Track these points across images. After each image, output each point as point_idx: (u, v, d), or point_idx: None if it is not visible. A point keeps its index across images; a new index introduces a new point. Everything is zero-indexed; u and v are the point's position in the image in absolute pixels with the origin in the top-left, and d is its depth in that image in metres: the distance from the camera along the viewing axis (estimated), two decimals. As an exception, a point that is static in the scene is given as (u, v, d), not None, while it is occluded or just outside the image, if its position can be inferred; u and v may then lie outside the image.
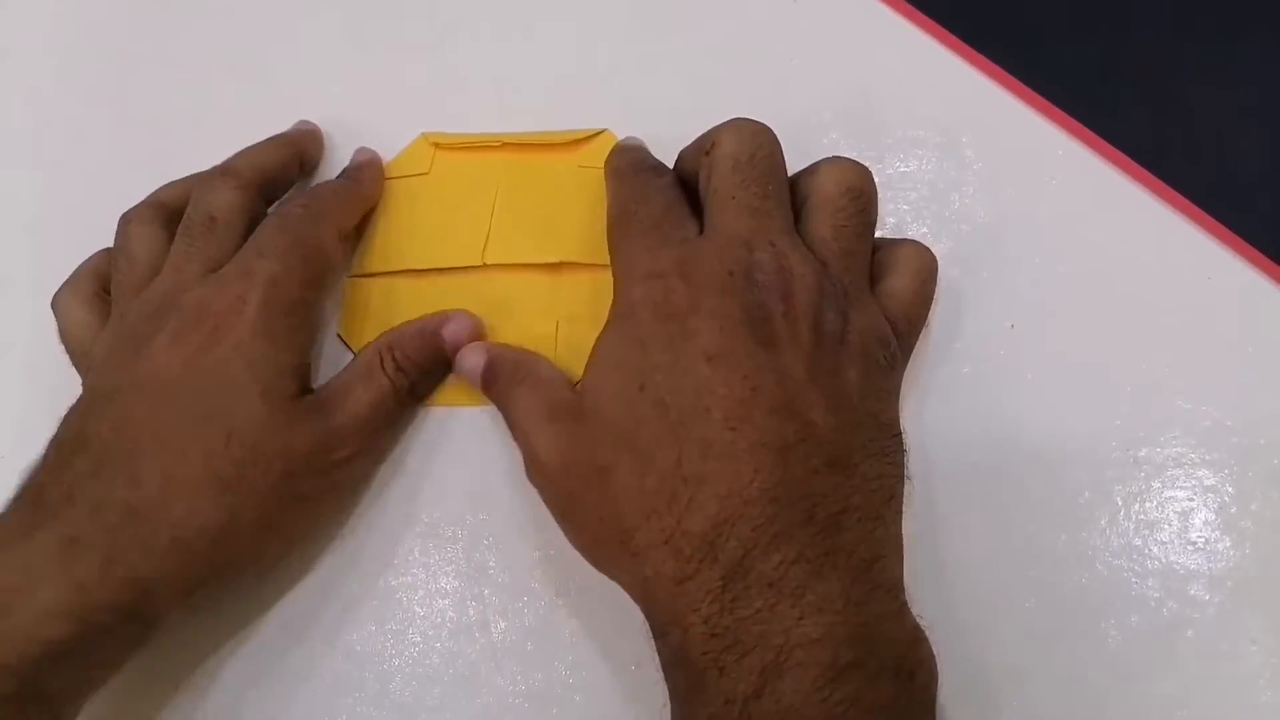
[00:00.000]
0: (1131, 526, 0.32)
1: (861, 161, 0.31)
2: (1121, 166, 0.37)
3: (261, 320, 0.31)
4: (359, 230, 0.37)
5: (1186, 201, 0.36)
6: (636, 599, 0.28)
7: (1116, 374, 0.33)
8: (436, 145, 0.38)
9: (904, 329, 0.31)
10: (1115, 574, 0.31)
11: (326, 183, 0.36)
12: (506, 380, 0.32)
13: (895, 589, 0.26)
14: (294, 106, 0.40)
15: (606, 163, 0.34)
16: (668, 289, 0.28)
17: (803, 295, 0.28)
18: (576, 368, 0.33)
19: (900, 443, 0.28)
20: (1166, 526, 0.32)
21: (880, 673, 0.24)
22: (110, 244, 0.35)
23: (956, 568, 0.31)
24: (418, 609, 0.32)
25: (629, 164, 0.33)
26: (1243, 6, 0.39)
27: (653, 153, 0.35)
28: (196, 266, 0.32)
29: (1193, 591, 0.31)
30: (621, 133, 0.37)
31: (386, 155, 0.38)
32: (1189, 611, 0.31)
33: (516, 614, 0.32)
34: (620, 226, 0.31)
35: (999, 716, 0.30)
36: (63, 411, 0.31)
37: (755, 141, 0.30)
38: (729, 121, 0.31)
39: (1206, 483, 0.32)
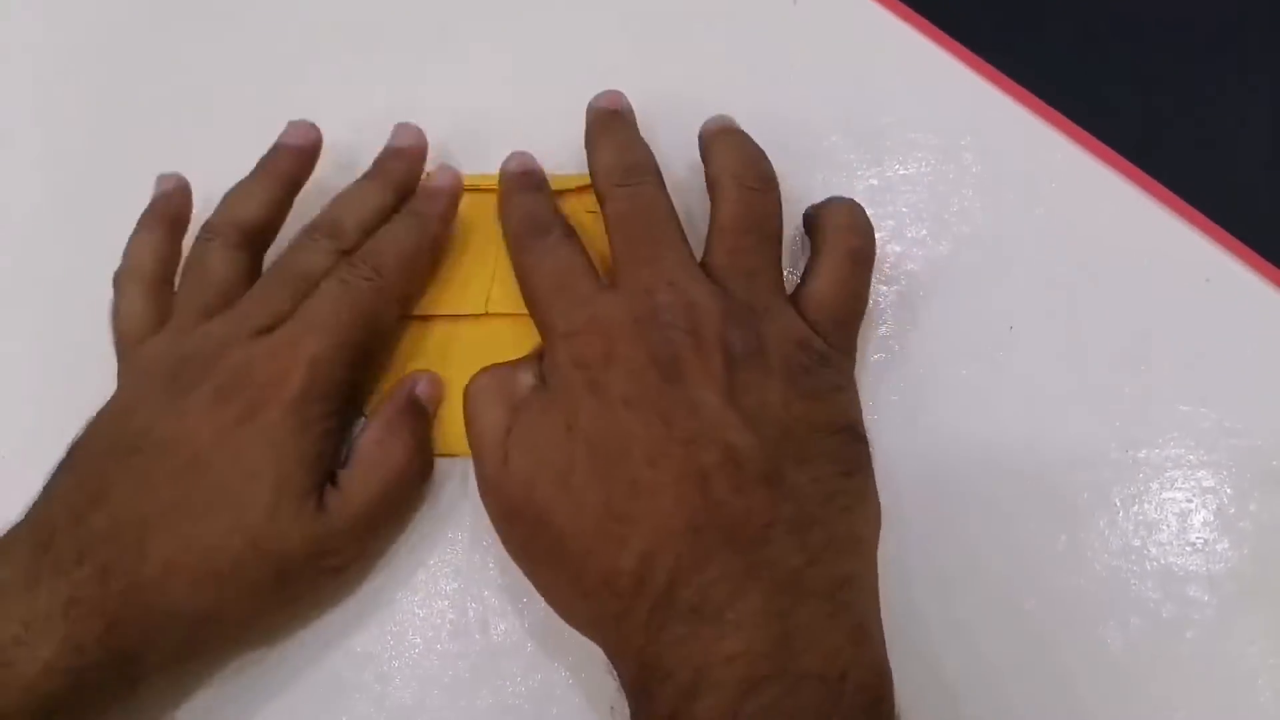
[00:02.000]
0: (1131, 527, 0.32)
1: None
2: (1120, 169, 0.37)
3: (296, 402, 0.30)
4: None
5: (1185, 204, 0.36)
6: (591, 638, 0.29)
7: (1116, 375, 0.34)
8: None
9: (829, 326, 0.31)
10: (1114, 575, 0.31)
11: (395, 228, 0.34)
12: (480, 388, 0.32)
13: (832, 591, 0.26)
14: (299, 111, 0.40)
15: (500, 214, 0.35)
16: (584, 345, 0.29)
17: (708, 325, 0.29)
18: None
19: (848, 437, 0.29)
20: (1165, 527, 0.32)
21: (803, 679, 0.24)
22: (108, 247, 0.35)
23: (956, 568, 0.31)
24: (418, 609, 0.32)
25: (518, 226, 0.34)
26: (1242, 7, 0.39)
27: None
28: (259, 319, 0.32)
29: (1191, 592, 0.31)
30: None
31: None
32: (1188, 612, 0.31)
33: (516, 614, 0.32)
34: (528, 292, 0.32)
35: (999, 716, 0.30)
36: (64, 412, 0.31)
37: (633, 199, 0.32)
38: (615, 182, 0.33)
39: (1205, 484, 0.32)
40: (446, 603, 0.32)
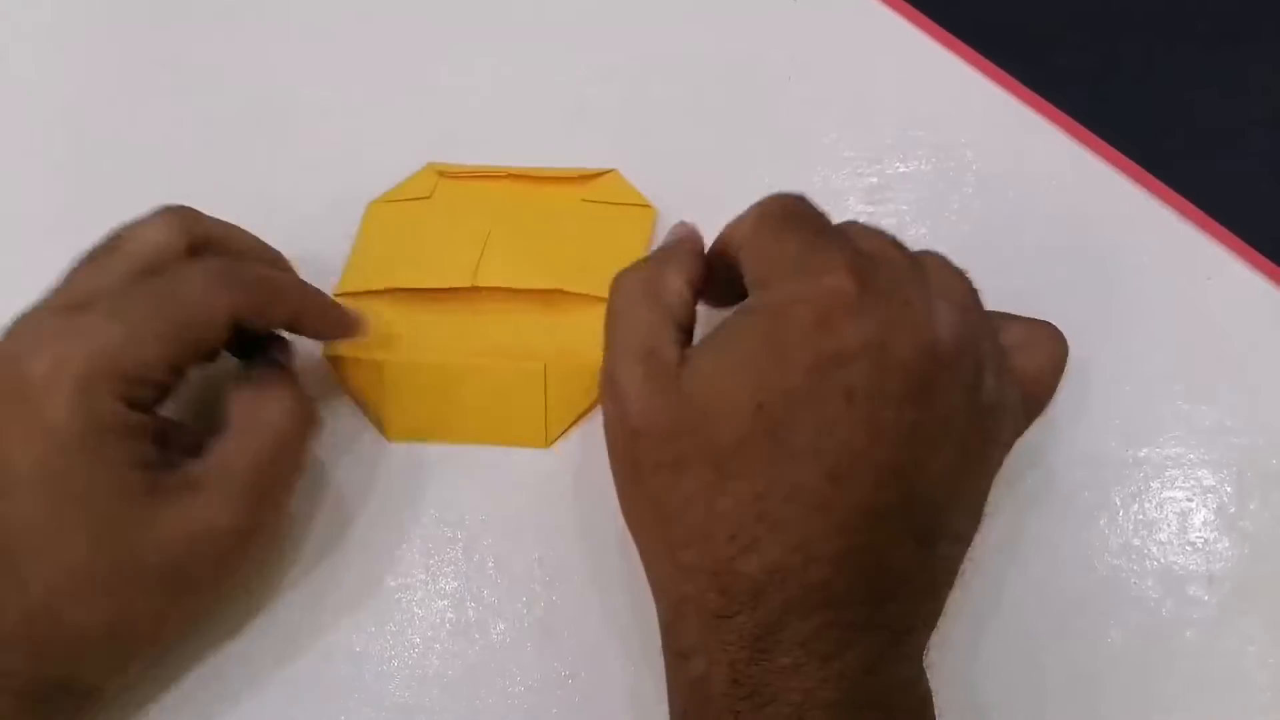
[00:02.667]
0: (1131, 526, 0.32)
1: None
2: (1121, 167, 0.37)
3: (81, 404, 0.26)
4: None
5: (1186, 202, 0.36)
6: (662, 604, 0.26)
7: (1116, 374, 0.34)
8: (441, 173, 0.37)
9: (1030, 412, 0.29)
10: (1115, 574, 0.31)
11: (283, 274, 0.32)
12: (629, 284, 0.28)
13: (918, 656, 0.25)
14: (296, 114, 0.40)
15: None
16: (835, 289, 0.24)
17: (969, 356, 0.25)
18: (566, 404, 0.33)
19: (978, 525, 0.27)
20: (1166, 526, 0.32)
21: None
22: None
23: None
24: (417, 609, 0.32)
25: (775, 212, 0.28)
26: (1243, 8, 0.39)
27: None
28: (63, 296, 0.28)
29: (1192, 591, 0.31)
30: (621, 132, 0.37)
31: (388, 181, 0.38)
32: (1188, 611, 0.31)
33: (516, 614, 0.32)
34: (776, 224, 0.27)
35: (999, 716, 0.30)
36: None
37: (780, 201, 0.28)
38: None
39: (1206, 483, 0.32)
40: (446, 602, 0.32)
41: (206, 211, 0.32)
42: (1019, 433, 0.28)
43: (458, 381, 0.34)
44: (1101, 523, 0.32)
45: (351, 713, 0.31)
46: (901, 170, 0.37)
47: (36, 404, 0.26)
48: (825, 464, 0.23)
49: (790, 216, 0.27)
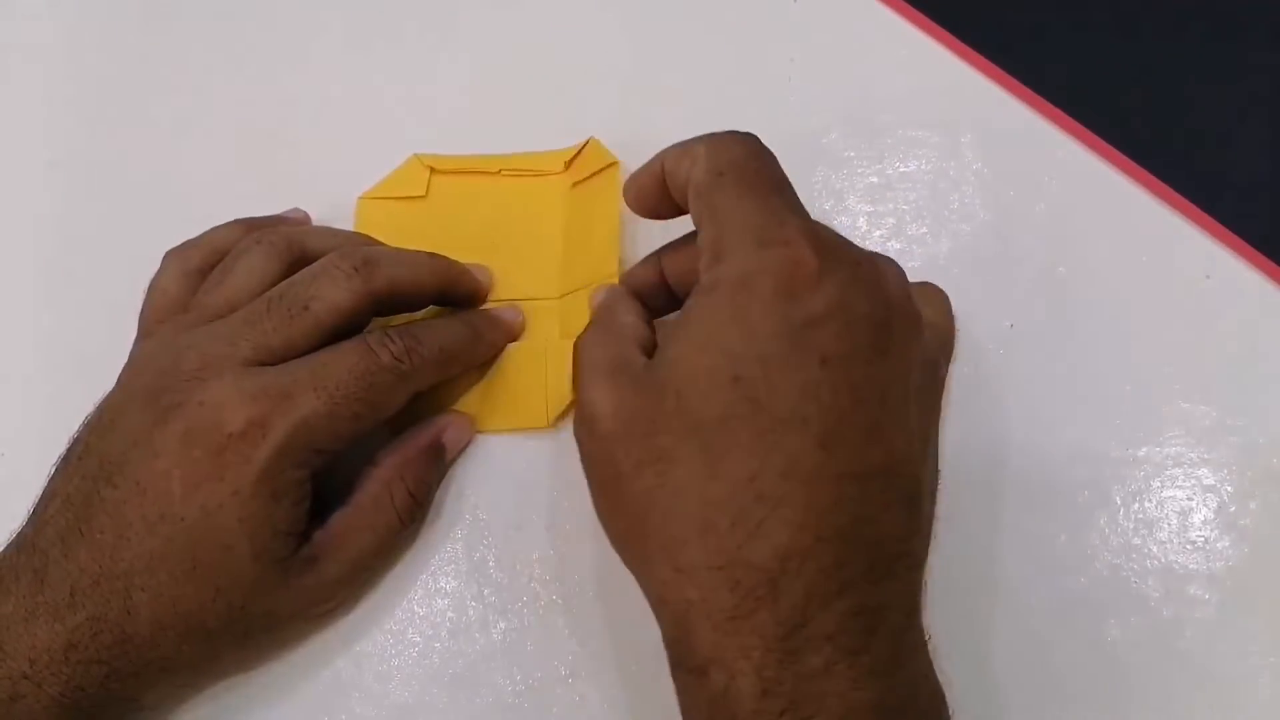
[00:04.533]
0: (1131, 526, 0.32)
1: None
2: (1121, 167, 0.37)
3: (270, 468, 0.27)
4: None
5: (1186, 201, 0.36)
6: (664, 618, 0.25)
7: (1116, 373, 0.34)
8: (433, 169, 0.37)
9: (946, 355, 0.30)
10: (1115, 573, 0.31)
11: (449, 326, 0.32)
12: (584, 342, 0.28)
13: (925, 643, 0.25)
14: (291, 111, 0.40)
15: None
16: (795, 260, 0.24)
17: (914, 310, 0.25)
18: (567, 382, 0.33)
19: (938, 478, 0.27)
20: (1166, 525, 0.32)
21: None
22: (109, 247, 0.34)
23: (956, 567, 0.31)
24: (418, 609, 0.32)
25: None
26: (1242, 7, 0.39)
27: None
28: (250, 346, 0.29)
29: (1192, 591, 0.31)
30: (621, 132, 0.37)
31: (375, 170, 0.37)
32: (1188, 611, 0.31)
33: (516, 614, 0.32)
34: (734, 183, 0.26)
35: (999, 716, 0.30)
36: (63, 412, 0.31)
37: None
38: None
39: (1206, 482, 0.32)
40: (446, 602, 0.32)
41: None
42: (944, 379, 0.31)
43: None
44: (1102, 522, 0.32)
45: (352, 713, 0.31)
46: (902, 170, 0.37)
47: (225, 455, 0.27)
48: (814, 430, 0.23)
49: (745, 173, 0.26)
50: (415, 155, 0.38)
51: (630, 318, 0.29)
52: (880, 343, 0.24)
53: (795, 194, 0.27)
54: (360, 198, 0.37)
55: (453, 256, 0.35)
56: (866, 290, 0.24)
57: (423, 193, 0.37)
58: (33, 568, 0.28)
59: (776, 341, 0.23)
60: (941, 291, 0.33)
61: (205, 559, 0.27)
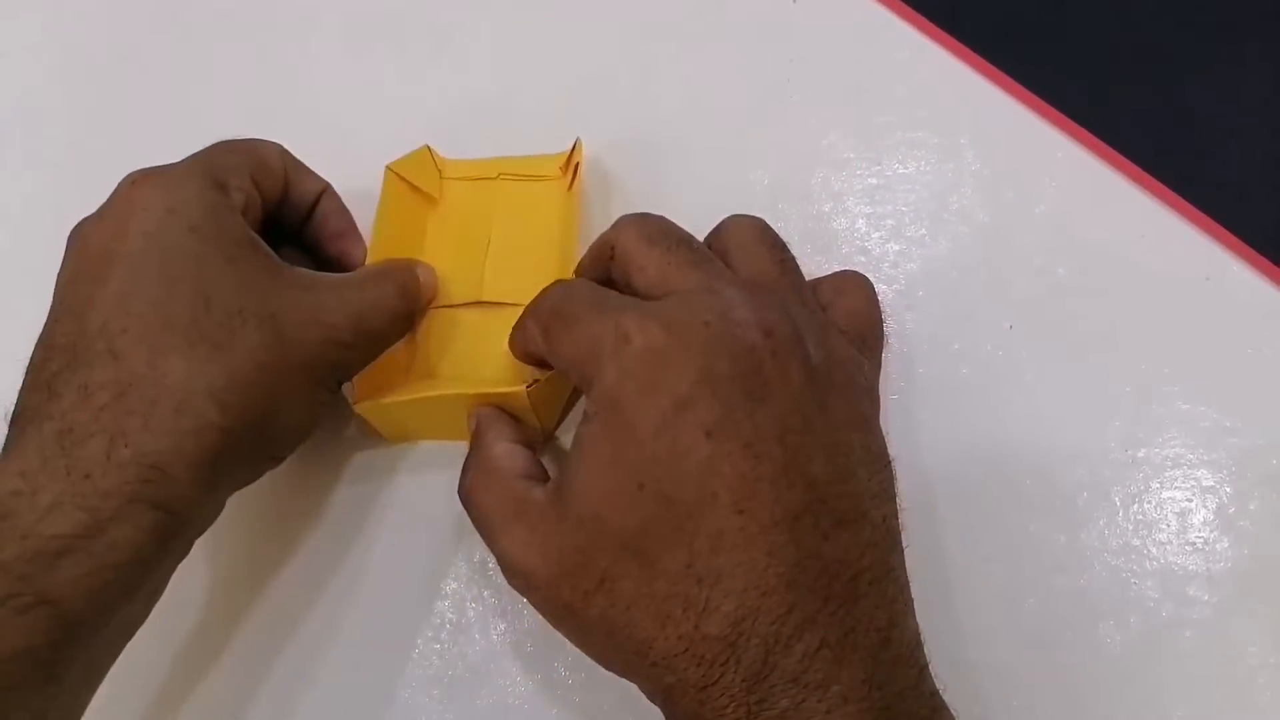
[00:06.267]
0: (1130, 527, 0.32)
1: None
2: (1120, 168, 0.37)
3: (193, 169, 0.30)
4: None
5: (1185, 202, 0.36)
6: (657, 703, 0.26)
7: (1115, 374, 0.34)
8: (441, 174, 0.38)
9: (870, 348, 0.30)
10: (1114, 574, 0.31)
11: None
12: (467, 488, 0.29)
13: (913, 652, 0.25)
14: (291, 105, 0.40)
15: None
16: (644, 351, 0.25)
17: (783, 329, 0.25)
18: (558, 399, 0.33)
19: (892, 470, 0.27)
20: (1165, 527, 0.32)
21: None
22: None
23: (956, 568, 0.31)
24: (418, 610, 0.32)
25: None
26: (1242, 6, 0.39)
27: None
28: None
29: (1191, 592, 0.31)
30: (620, 133, 0.37)
31: (375, 170, 0.37)
32: (1187, 612, 0.31)
33: (516, 614, 0.32)
34: (561, 324, 0.27)
35: (999, 716, 0.30)
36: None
37: (652, 222, 0.29)
38: (616, 226, 0.29)
39: (1205, 483, 0.32)
40: (446, 603, 0.32)
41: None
42: (876, 370, 0.30)
43: (461, 406, 0.33)
44: (1101, 523, 0.32)
45: (352, 713, 0.31)
46: (901, 171, 0.37)
47: (153, 201, 0.29)
48: (724, 501, 0.24)
49: (563, 313, 0.28)
50: (425, 146, 0.38)
51: (500, 446, 0.29)
52: (755, 390, 0.25)
53: (621, 270, 0.28)
54: (388, 166, 0.37)
55: (453, 258, 0.35)
56: (723, 347, 0.25)
57: (436, 194, 0.37)
58: (14, 420, 0.27)
59: (659, 437, 0.24)
60: (860, 276, 0.32)
61: (180, 269, 0.28)
